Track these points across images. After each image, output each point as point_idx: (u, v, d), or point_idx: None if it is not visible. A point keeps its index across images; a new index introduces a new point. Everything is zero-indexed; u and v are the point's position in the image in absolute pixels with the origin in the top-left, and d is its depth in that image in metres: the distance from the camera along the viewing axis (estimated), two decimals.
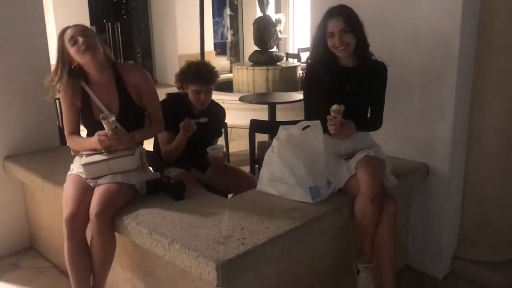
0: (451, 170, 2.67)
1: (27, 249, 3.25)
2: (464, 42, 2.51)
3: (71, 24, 2.31)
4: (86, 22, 8.90)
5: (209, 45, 9.84)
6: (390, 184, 2.34)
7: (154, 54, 10.78)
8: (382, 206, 2.19)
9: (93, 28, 9.63)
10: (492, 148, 2.71)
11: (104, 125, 2.21)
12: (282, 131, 2.31)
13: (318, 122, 2.27)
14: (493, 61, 2.59)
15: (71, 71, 2.30)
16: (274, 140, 2.28)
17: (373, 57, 2.41)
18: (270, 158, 2.27)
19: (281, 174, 2.20)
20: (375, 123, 2.46)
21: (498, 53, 2.58)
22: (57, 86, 2.31)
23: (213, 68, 2.86)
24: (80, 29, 2.26)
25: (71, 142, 2.46)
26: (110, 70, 2.38)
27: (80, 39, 2.23)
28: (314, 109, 2.41)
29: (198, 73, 2.75)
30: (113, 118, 2.21)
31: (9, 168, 3.04)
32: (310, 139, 2.21)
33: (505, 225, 2.83)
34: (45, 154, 3.14)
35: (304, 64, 10.28)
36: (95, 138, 2.26)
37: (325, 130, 2.28)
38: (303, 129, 2.28)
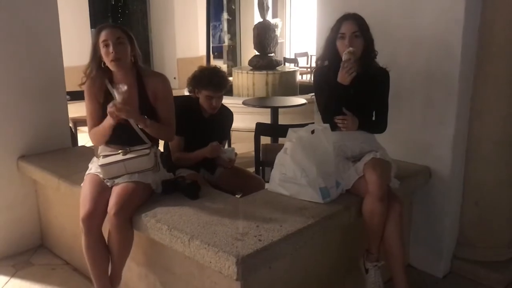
0: (452, 172, 2.79)
1: (38, 247, 3.33)
2: (465, 48, 2.63)
3: (104, 25, 2.41)
4: (87, 24, 8.99)
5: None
6: (393, 186, 2.45)
7: (153, 58, 10.86)
8: (388, 206, 2.30)
9: (93, 31, 9.60)
10: (491, 151, 2.82)
11: (116, 95, 2.29)
12: (291, 134, 2.41)
13: (327, 125, 2.39)
14: (493, 66, 2.71)
15: (100, 67, 2.40)
16: (286, 142, 2.37)
17: (377, 64, 2.53)
18: (282, 159, 2.36)
19: (293, 175, 2.30)
20: (379, 125, 2.57)
21: (498, 59, 2.70)
22: (91, 75, 2.41)
23: (225, 74, 2.96)
24: (115, 35, 2.34)
25: (92, 136, 2.51)
26: (133, 73, 2.47)
27: (111, 47, 2.31)
28: (326, 110, 2.52)
29: (212, 79, 2.84)
30: (125, 88, 2.28)
31: (23, 167, 3.11)
32: (321, 141, 2.31)
33: (502, 226, 2.94)
34: (58, 154, 3.23)
35: (303, 69, 10.46)
36: (108, 118, 2.33)
37: (333, 129, 2.41)
38: (312, 132, 2.39)
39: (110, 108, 2.28)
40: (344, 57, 2.36)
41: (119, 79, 2.43)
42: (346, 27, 2.39)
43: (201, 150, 2.85)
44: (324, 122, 2.50)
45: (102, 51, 2.34)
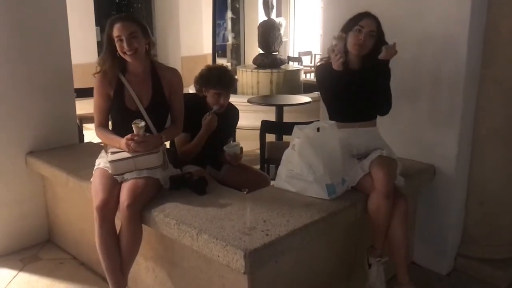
0: (457, 171, 2.81)
1: (45, 242, 3.36)
2: (471, 47, 2.65)
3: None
4: (92, 22, 9.01)
5: (211, 48, 9.93)
6: (398, 184, 2.47)
7: (157, 56, 10.87)
8: (394, 203, 2.33)
9: (97, 29, 9.54)
10: (495, 150, 2.84)
11: (134, 129, 2.34)
12: (297, 131, 2.43)
13: (333, 122, 2.41)
14: (498, 66, 2.73)
15: (115, 57, 2.44)
16: (294, 139, 2.40)
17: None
18: (290, 155, 2.39)
19: (300, 171, 2.33)
20: (384, 106, 2.56)
21: (503, 60, 2.72)
22: (105, 66, 2.45)
23: (232, 72, 2.99)
24: (128, 31, 2.37)
25: (99, 133, 2.56)
26: (148, 64, 2.52)
27: (125, 43, 2.35)
28: (330, 106, 2.54)
29: (221, 78, 2.88)
30: (143, 124, 2.35)
31: (32, 163, 3.14)
32: (328, 138, 2.34)
33: (506, 224, 2.96)
34: (66, 150, 3.26)
35: (307, 68, 10.47)
36: (123, 140, 2.37)
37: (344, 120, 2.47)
38: (317, 129, 2.41)
39: (128, 140, 2.34)
40: (332, 41, 2.38)
41: (133, 68, 2.49)
42: (366, 22, 2.41)
43: (199, 133, 2.85)
44: (333, 117, 2.53)
45: (117, 44, 2.39)
